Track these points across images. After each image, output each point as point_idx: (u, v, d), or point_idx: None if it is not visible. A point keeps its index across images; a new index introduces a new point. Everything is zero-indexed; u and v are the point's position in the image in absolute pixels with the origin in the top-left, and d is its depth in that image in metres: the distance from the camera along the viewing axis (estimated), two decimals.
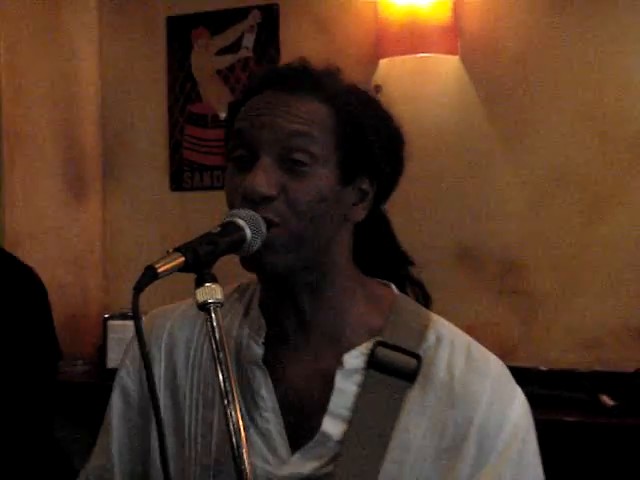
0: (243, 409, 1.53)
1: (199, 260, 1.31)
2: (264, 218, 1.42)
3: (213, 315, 1.29)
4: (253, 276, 1.56)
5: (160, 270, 1.26)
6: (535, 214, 3.37)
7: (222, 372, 1.30)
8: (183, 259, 1.29)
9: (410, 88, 3.49)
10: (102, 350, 3.72)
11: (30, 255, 3.18)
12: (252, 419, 1.55)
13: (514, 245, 3.40)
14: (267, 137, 1.44)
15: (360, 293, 1.57)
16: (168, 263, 1.27)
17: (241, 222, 1.37)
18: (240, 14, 3.69)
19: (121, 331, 3.60)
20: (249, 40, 3.68)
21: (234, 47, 3.72)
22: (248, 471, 1.26)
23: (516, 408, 1.49)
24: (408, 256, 1.67)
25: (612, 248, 3.28)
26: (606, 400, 2.99)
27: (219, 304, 1.29)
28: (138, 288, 1.24)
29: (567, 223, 3.32)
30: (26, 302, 2.59)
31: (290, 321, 1.56)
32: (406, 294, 1.64)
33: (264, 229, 1.41)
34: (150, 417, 1.62)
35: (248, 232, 1.37)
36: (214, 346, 1.30)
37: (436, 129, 3.46)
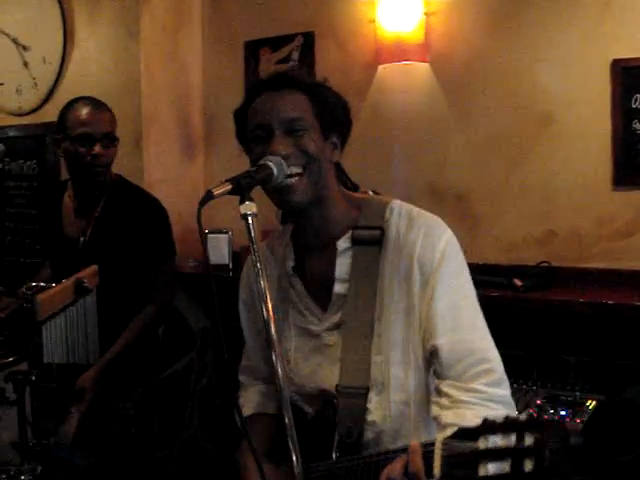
0: (295, 300, 1.83)
1: (240, 187, 1.50)
2: (292, 165, 1.65)
3: (250, 221, 1.48)
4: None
5: (215, 193, 1.47)
6: (477, 163, 3.63)
7: (256, 264, 1.48)
8: (231, 186, 1.49)
9: (398, 84, 3.74)
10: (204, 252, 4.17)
11: (159, 192, 3.52)
12: (300, 301, 1.84)
13: (464, 184, 3.65)
14: (275, 120, 1.69)
15: (345, 204, 1.81)
16: (220, 188, 1.48)
17: (270, 163, 1.60)
18: (290, 38, 4.01)
19: (215, 240, 3.89)
20: (296, 54, 4.00)
21: (287, 59, 4.03)
22: (274, 334, 1.45)
23: (441, 242, 1.68)
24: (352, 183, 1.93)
25: (525, 185, 3.52)
26: (517, 282, 3.27)
27: (255, 215, 1.48)
28: (201, 203, 1.45)
29: (496, 169, 3.58)
30: (153, 219, 3.04)
31: (309, 236, 1.82)
32: None
33: (286, 168, 1.62)
34: (256, 310, 1.89)
35: (275, 170, 1.59)
36: (251, 244, 1.49)
37: (414, 109, 3.71)
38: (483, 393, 1.59)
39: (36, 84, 4.58)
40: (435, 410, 1.64)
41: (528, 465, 1.18)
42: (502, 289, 3.28)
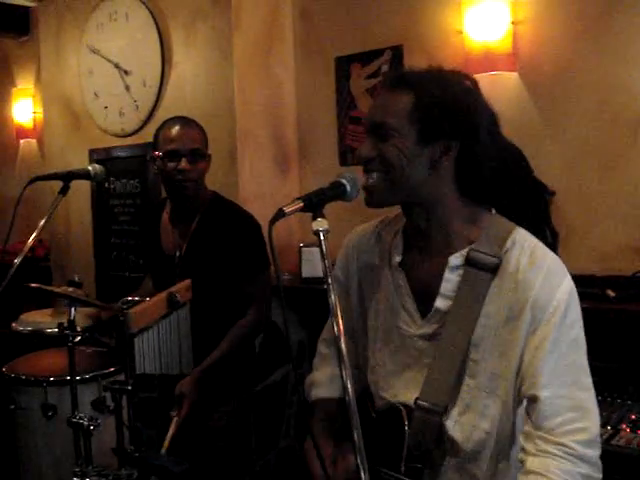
0: (393, 294, 1.80)
1: (312, 204, 1.52)
2: (370, 171, 1.67)
3: (322, 237, 1.50)
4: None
5: (287, 211, 1.49)
6: (569, 171, 3.53)
7: (327, 278, 1.48)
8: (302, 204, 1.52)
9: (487, 94, 3.30)
10: (299, 266, 4.07)
11: (254, 207, 3.56)
12: (399, 300, 1.80)
13: (556, 192, 3.13)
14: (368, 121, 1.71)
15: (462, 215, 1.73)
16: (292, 206, 1.50)
17: (343, 180, 1.60)
18: (379, 53, 4.03)
19: (309, 254, 3.99)
20: (385, 69, 4.01)
21: (376, 74, 4.05)
22: (344, 349, 1.43)
23: (561, 290, 1.60)
24: (543, 187, 1.83)
25: (618, 193, 3.42)
26: (610, 293, 3.20)
27: (327, 231, 1.49)
28: (272, 221, 1.46)
29: (589, 177, 3.49)
30: (247, 234, 3.04)
31: (417, 237, 1.78)
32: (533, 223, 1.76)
33: (360, 184, 1.63)
34: (347, 291, 1.94)
35: (348, 187, 1.60)
36: (322, 260, 1.49)
37: (504, 118, 3.21)
38: (573, 450, 1.56)
39: (137, 106, 4.72)
40: (521, 454, 1.62)
41: None
42: (596, 300, 3.20)
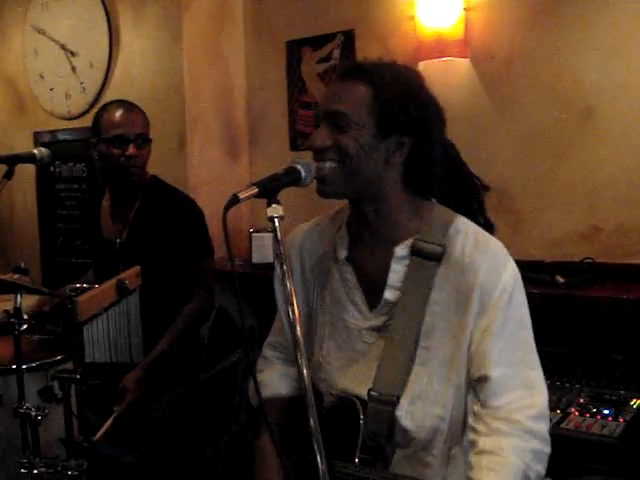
0: (340, 288, 1.79)
1: (267, 190, 1.49)
2: (324, 160, 1.65)
3: (277, 224, 1.46)
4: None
5: (241, 197, 1.47)
6: (519, 158, 3.56)
7: (283, 270, 1.45)
8: (257, 190, 1.49)
9: (439, 80, 3.56)
10: (249, 251, 4.03)
11: (204, 193, 3.71)
12: (346, 294, 1.80)
13: (506, 180, 3.55)
14: (323, 110, 1.70)
15: (408, 208, 1.76)
16: (247, 192, 1.48)
17: (298, 166, 1.58)
18: (331, 37, 4.01)
19: (260, 239, 3.96)
20: (337, 53, 4.00)
21: (327, 58, 4.03)
22: (299, 336, 1.42)
23: (507, 273, 1.66)
24: (481, 184, 1.85)
25: (568, 180, 3.45)
26: (560, 279, 3.23)
27: (281, 218, 1.46)
28: (226, 208, 1.46)
29: (539, 164, 3.52)
30: (187, 218, 3.01)
31: (363, 230, 1.78)
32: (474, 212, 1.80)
33: (314, 170, 1.60)
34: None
35: (302, 173, 1.57)
36: (277, 245, 1.47)
37: (455, 105, 3.36)
38: (522, 425, 1.60)
39: (84, 88, 4.64)
40: (471, 435, 1.64)
41: None
42: (545, 286, 3.24)
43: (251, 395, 2.01)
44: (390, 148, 1.68)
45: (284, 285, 1.44)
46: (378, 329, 1.74)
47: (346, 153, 1.64)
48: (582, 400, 2.93)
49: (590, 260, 3.37)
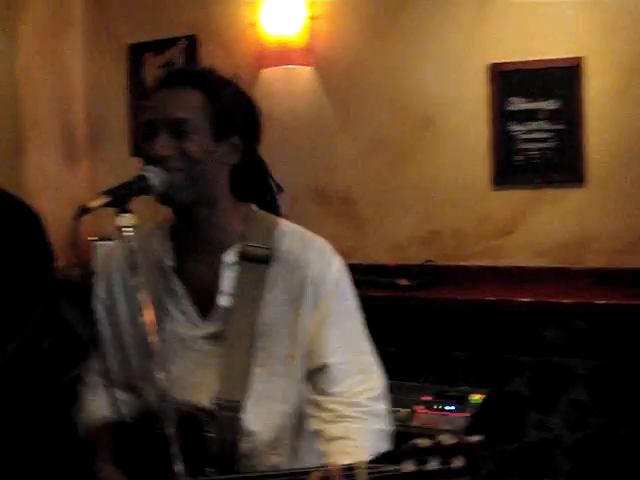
0: (168, 300, 1.74)
1: (118, 199, 1.46)
2: (169, 169, 1.59)
3: (127, 234, 1.45)
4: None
5: (91, 206, 1.43)
6: (361, 165, 3.66)
7: (137, 280, 1.45)
8: (107, 199, 1.45)
9: (282, 87, 3.74)
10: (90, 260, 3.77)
11: (42, 200, 3.54)
12: (175, 305, 1.75)
13: (349, 186, 3.68)
14: (160, 119, 1.63)
15: (235, 214, 1.76)
16: (97, 201, 1.44)
17: (148, 174, 1.55)
18: (173, 41, 3.98)
19: (104, 248, 3.74)
20: (179, 58, 3.97)
21: (170, 63, 3.98)
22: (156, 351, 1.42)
23: (334, 266, 1.71)
24: (277, 185, 1.86)
25: (408, 187, 3.56)
26: (402, 281, 3.32)
27: (132, 227, 1.44)
28: (76, 218, 1.42)
29: (380, 171, 3.62)
30: (25, 226, 2.90)
31: (192, 238, 1.75)
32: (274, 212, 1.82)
33: (164, 178, 1.57)
34: (114, 311, 1.80)
35: (153, 181, 1.55)
36: (129, 257, 1.46)
37: (298, 112, 3.73)
38: (365, 407, 1.64)
39: None
40: (317, 424, 1.66)
41: None
42: (388, 289, 3.32)
43: (79, 426, 1.89)
44: (225, 150, 1.69)
45: (137, 295, 1.45)
46: (214, 336, 1.72)
47: (190, 158, 1.62)
48: (427, 398, 3.03)
49: (430, 263, 3.50)
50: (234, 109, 1.69)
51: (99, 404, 1.85)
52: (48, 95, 4.14)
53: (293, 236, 1.75)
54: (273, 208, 1.85)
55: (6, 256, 2.82)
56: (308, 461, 1.68)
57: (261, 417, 1.67)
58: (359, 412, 1.64)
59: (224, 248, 1.73)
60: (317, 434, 1.66)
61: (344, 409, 1.64)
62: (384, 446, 1.60)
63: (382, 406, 1.69)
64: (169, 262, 1.76)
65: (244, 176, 1.78)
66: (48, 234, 2.99)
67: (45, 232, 2.97)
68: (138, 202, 1.48)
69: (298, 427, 1.73)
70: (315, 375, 1.69)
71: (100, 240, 3.88)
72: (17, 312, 2.88)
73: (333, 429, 1.62)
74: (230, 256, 1.72)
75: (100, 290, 1.85)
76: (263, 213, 1.80)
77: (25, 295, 2.90)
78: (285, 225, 1.78)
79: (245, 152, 1.72)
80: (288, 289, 1.71)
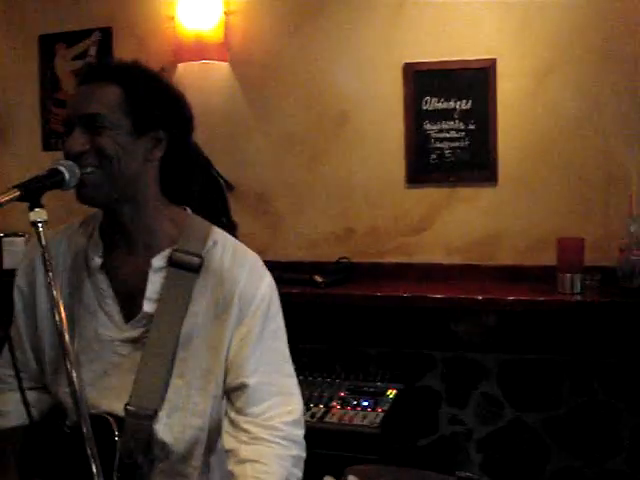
0: (92, 298, 1.71)
1: (30, 193, 1.43)
2: (84, 166, 1.57)
3: (40, 229, 1.42)
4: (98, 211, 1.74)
5: (1, 201, 1.39)
6: (276, 162, 3.67)
7: (49, 277, 1.41)
8: (19, 193, 1.42)
9: (198, 83, 3.67)
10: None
11: None
12: (99, 305, 1.71)
13: (265, 183, 3.68)
14: (76, 115, 1.62)
15: (165, 215, 1.72)
16: (7, 195, 1.41)
17: (61, 168, 1.52)
18: (87, 33, 3.91)
19: (11, 243, 3.76)
20: (93, 50, 3.92)
21: (83, 55, 3.93)
22: (70, 349, 1.39)
23: (264, 284, 1.70)
24: (226, 183, 1.86)
25: (324, 184, 3.60)
26: (317, 278, 3.33)
27: (44, 222, 1.42)
28: None
29: (296, 168, 3.65)
30: None
31: (119, 238, 1.71)
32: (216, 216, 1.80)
33: (78, 172, 1.55)
34: (33, 303, 1.75)
35: (66, 175, 1.53)
36: (42, 253, 1.42)
37: (214, 108, 3.69)
38: (281, 431, 1.64)
39: None
40: (231, 443, 1.65)
41: None
42: (304, 285, 3.32)
43: None
44: (148, 145, 1.65)
45: (50, 293, 1.41)
46: (134, 341, 1.69)
47: (105, 155, 1.59)
48: (342, 394, 3.06)
49: (346, 260, 3.53)
50: (155, 103, 1.65)
51: (3, 402, 1.81)
52: None
53: (225, 248, 1.72)
54: (216, 209, 1.83)
55: None
56: (219, 476, 1.72)
57: (174, 429, 1.65)
58: (274, 436, 1.63)
59: (153, 251, 1.70)
60: (229, 453, 1.65)
61: (259, 431, 1.63)
62: (297, 473, 1.63)
63: (299, 431, 1.68)
64: (97, 260, 1.72)
65: (176, 173, 1.74)
66: None
67: None
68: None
69: (212, 442, 1.72)
70: (234, 393, 1.67)
71: (6, 236, 3.83)
72: None
73: (246, 451, 1.62)
74: (159, 260, 1.69)
75: (21, 280, 1.80)
76: (198, 219, 1.76)
77: None
78: (218, 235, 1.74)
79: (173, 146, 1.68)
80: (214, 303, 1.68)
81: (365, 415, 2.86)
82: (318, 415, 2.86)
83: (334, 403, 2.98)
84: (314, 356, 3.37)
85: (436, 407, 3.39)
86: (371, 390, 3.08)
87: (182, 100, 1.74)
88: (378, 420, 2.82)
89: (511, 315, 3.19)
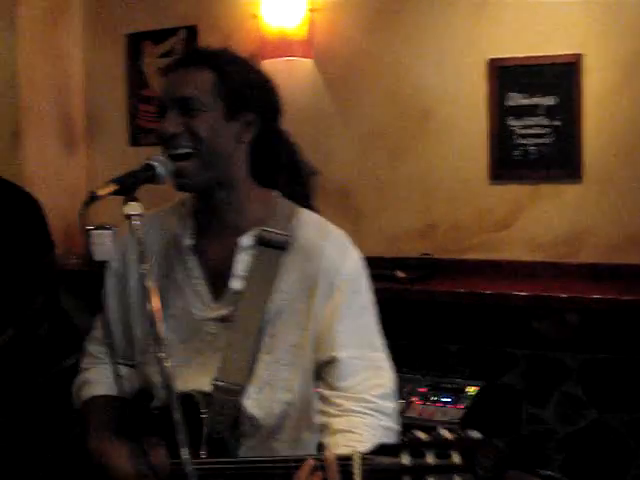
0: (183, 279, 1.75)
1: (125, 188, 1.48)
2: (178, 147, 1.63)
3: (135, 222, 1.46)
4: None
5: (99, 194, 1.45)
6: (360, 158, 3.68)
7: (143, 267, 1.45)
8: (115, 187, 1.47)
9: (282, 79, 3.38)
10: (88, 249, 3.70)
11: (39, 188, 3.50)
12: (189, 285, 1.76)
13: (347, 178, 3.69)
14: (170, 98, 1.66)
15: (254, 197, 1.76)
16: (105, 189, 1.46)
17: (155, 163, 1.58)
18: (173, 32, 4.01)
19: (99, 236, 3.45)
20: (179, 48, 3.99)
21: (169, 53, 4.02)
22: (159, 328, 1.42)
23: (351, 258, 1.72)
24: (310, 168, 1.86)
25: (406, 180, 3.60)
26: (399, 274, 3.35)
27: (138, 215, 1.46)
28: (85, 206, 1.44)
29: (378, 164, 3.66)
30: (25, 213, 2.89)
31: (210, 219, 1.77)
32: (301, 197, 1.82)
33: (171, 167, 1.61)
34: (125, 283, 1.82)
35: (159, 169, 1.58)
36: (138, 246, 1.47)
37: (298, 104, 3.56)
38: (373, 403, 1.64)
39: None
40: (323, 418, 1.67)
41: None
42: (385, 281, 3.30)
43: (74, 395, 1.90)
44: (239, 128, 1.69)
45: (142, 282, 1.45)
46: (223, 319, 1.72)
47: (199, 137, 1.64)
48: (422, 389, 3.07)
49: (428, 256, 3.52)
50: (246, 86, 1.69)
51: (96, 373, 1.88)
52: (47, 83, 4.15)
53: (312, 225, 1.75)
54: (300, 193, 1.84)
55: (7, 244, 2.80)
56: (311, 453, 1.69)
57: (263, 404, 1.67)
58: (365, 408, 1.63)
59: (242, 231, 1.73)
60: (323, 428, 1.67)
61: (350, 404, 1.64)
62: None
63: (390, 404, 1.68)
64: (187, 241, 1.77)
65: (265, 157, 1.77)
66: (46, 221, 2.98)
67: (46, 220, 2.96)
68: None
69: (303, 417, 1.72)
70: (324, 368, 1.69)
71: (97, 229, 3.68)
72: (17, 300, 2.86)
73: (337, 423, 1.63)
74: (246, 239, 1.73)
75: (115, 261, 1.86)
76: (285, 201, 1.79)
77: (26, 283, 2.89)
78: (306, 214, 1.77)
79: (263, 129, 1.72)
80: (301, 278, 1.70)
81: (445, 411, 2.87)
82: (398, 410, 2.88)
83: (414, 398, 2.99)
84: (395, 351, 3.35)
85: (517, 405, 3.36)
86: (451, 386, 3.09)
87: (271, 85, 1.78)
88: (459, 416, 2.83)
89: (595, 314, 3.14)
